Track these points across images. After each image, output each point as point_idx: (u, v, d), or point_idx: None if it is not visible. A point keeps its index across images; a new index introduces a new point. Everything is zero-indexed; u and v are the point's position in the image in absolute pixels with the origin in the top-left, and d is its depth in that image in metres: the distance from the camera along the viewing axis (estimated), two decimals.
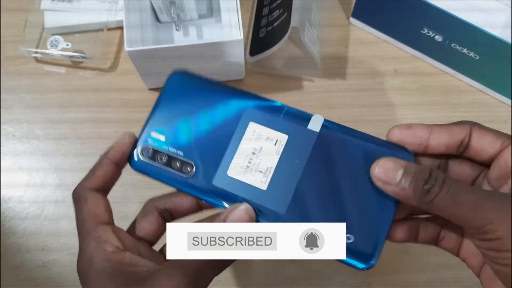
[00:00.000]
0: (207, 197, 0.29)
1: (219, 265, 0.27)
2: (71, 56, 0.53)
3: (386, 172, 0.26)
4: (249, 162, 0.29)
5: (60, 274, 0.45)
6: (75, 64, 0.54)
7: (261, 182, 0.28)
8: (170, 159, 0.29)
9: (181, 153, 0.29)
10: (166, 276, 0.24)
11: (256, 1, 0.55)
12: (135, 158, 0.30)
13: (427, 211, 0.29)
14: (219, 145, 0.29)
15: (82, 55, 0.53)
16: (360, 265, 0.27)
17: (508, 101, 0.51)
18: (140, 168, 0.30)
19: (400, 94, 0.52)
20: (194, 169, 0.29)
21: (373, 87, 0.52)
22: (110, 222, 0.29)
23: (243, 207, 0.27)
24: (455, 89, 0.52)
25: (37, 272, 0.45)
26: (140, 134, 0.31)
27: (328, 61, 0.52)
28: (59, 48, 0.53)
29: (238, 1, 0.46)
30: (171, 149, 0.30)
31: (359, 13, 0.54)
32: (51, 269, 0.45)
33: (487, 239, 0.24)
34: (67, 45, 0.53)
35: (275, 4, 0.52)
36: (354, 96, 0.51)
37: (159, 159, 0.30)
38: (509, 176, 0.27)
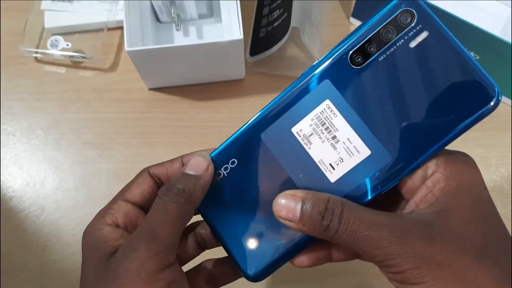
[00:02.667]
0: None
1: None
2: (71, 56, 0.53)
3: (287, 209, 0.25)
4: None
5: (60, 274, 0.45)
6: (75, 64, 0.54)
7: None
8: None
9: None
10: (124, 248, 0.25)
11: (256, 1, 0.55)
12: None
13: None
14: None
15: (82, 55, 0.53)
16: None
17: (508, 101, 0.51)
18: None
19: None
20: (357, 68, 0.25)
21: None
22: (130, 199, 0.29)
23: (197, 154, 0.28)
24: None
25: (37, 272, 0.45)
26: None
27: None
28: (59, 48, 0.53)
29: (238, 1, 0.46)
30: None
31: (359, 13, 0.54)
32: (51, 269, 0.45)
33: (392, 272, 0.23)
34: (67, 45, 0.53)
35: (275, 4, 0.52)
36: None
37: None
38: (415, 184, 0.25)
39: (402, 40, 0.24)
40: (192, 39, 0.53)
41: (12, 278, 0.44)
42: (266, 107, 0.27)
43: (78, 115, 0.51)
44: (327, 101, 0.26)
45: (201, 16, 0.53)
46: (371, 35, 0.25)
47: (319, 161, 0.26)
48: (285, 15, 0.49)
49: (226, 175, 0.27)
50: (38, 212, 0.47)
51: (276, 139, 0.27)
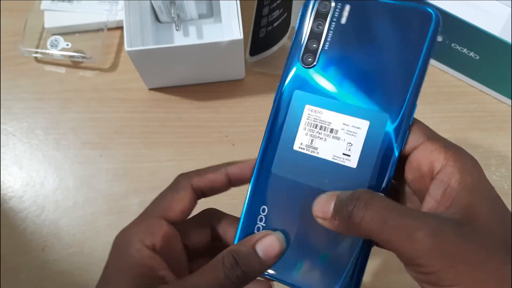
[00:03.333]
0: None
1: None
2: (71, 56, 0.53)
3: (322, 207, 0.25)
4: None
5: (60, 274, 0.45)
6: (75, 64, 0.54)
7: None
8: None
9: None
10: None
11: (256, 1, 0.55)
12: None
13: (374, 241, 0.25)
14: None
15: (82, 55, 0.53)
16: None
17: (508, 101, 0.51)
18: None
19: None
20: (311, 66, 0.27)
21: None
22: (173, 220, 0.27)
23: (276, 234, 0.26)
24: (455, 89, 0.52)
25: (37, 272, 0.45)
26: None
27: None
28: (59, 48, 0.53)
29: (238, 1, 0.46)
30: None
31: None
32: (51, 269, 0.45)
33: (422, 272, 0.21)
34: (67, 45, 0.53)
35: (275, 4, 0.52)
36: None
37: None
38: (424, 178, 0.24)
39: (334, 23, 0.26)
40: (192, 39, 0.53)
41: (12, 278, 0.44)
42: (261, 147, 0.27)
43: (78, 115, 0.51)
44: (307, 106, 0.27)
45: (201, 16, 0.53)
46: (307, 34, 0.27)
47: (333, 158, 0.26)
48: (285, 15, 0.49)
49: (264, 224, 0.27)
50: (38, 212, 0.47)
51: (287, 165, 0.27)
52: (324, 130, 0.26)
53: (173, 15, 0.51)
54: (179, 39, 0.53)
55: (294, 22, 0.47)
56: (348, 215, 0.23)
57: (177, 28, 0.51)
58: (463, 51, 0.48)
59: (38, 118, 0.51)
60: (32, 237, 0.46)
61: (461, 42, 0.47)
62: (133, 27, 0.48)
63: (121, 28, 0.53)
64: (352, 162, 0.26)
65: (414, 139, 0.25)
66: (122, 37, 0.55)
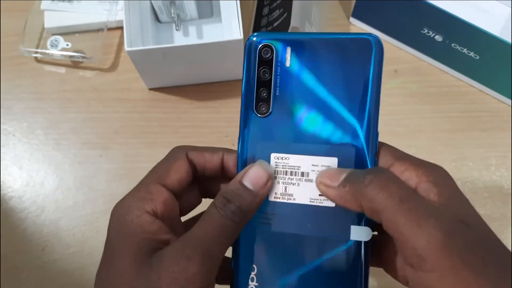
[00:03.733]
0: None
1: (233, 234, 0.25)
2: (71, 56, 0.53)
3: (330, 176, 0.25)
4: None
5: (60, 274, 0.45)
6: (75, 64, 0.54)
7: None
8: None
9: None
10: (177, 248, 0.23)
11: (256, 1, 0.55)
12: (251, 43, 0.26)
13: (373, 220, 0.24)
14: None
15: (82, 55, 0.53)
16: None
17: (508, 101, 0.51)
18: None
19: (400, 94, 0.52)
20: (268, 114, 0.26)
21: None
22: (170, 187, 0.26)
23: (258, 163, 0.26)
24: (455, 89, 0.52)
25: (37, 272, 0.45)
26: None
27: None
28: (59, 48, 0.53)
29: (238, 1, 0.46)
30: None
31: (359, 13, 0.54)
32: (51, 269, 0.45)
33: (421, 269, 0.20)
34: (67, 45, 0.53)
35: (275, 4, 0.52)
36: None
37: None
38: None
39: (279, 67, 0.26)
40: (192, 39, 0.53)
41: (12, 278, 0.44)
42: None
43: (78, 115, 0.51)
44: (273, 155, 0.26)
45: (201, 16, 0.53)
46: (255, 84, 0.26)
47: (310, 201, 0.26)
48: (285, 15, 0.49)
49: (257, 284, 0.26)
50: (38, 212, 0.47)
51: (267, 217, 0.27)
52: (296, 175, 0.26)
53: (173, 15, 0.51)
54: (179, 39, 0.53)
55: (294, 22, 0.48)
56: (366, 184, 0.22)
57: (177, 28, 0.51)
58: (463, 51, 0.48)
59: (38, 118, 0.51)
60: (32, 237, 0.46)
61: (461, 42, 0.47)
62: (133, 27, 0.48)
63: (121, 28, 0.53)
64: (330, 201, 0.26)
65: (383, 163, 0.25)
66: (122, 37, 0.55)
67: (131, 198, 0.26)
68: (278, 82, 0.26)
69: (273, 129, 0.26)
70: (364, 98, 0.25)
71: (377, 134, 0.25)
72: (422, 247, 0.20)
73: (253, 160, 0.26)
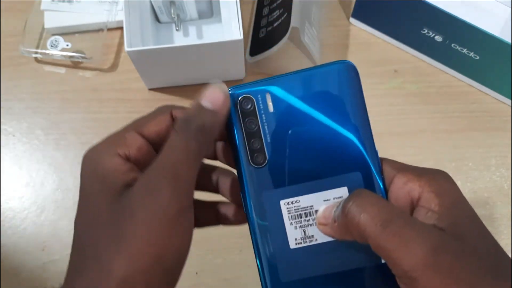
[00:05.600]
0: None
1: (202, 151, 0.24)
2: (71, 56, 0.53)
3: (325, 213, 0.24)
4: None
5: (60, 274, 0.45)
6: (75, 64, 0.54)
7: None
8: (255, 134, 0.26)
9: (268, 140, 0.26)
10: (144, 185, 0.23)
11: (256, 1, 0.55)
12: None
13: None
14: None
15: (82, 55, 0.53)
16: None
17: (508, 101, 0.51)
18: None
19: (400, 94, 0.52)
20: (265, 163, 0.26)
21: (373, 87, 0.52)
22: (147, 136, 0.26)
23: (212, 83, 0.25)
24: (455, 89, 0.52)
25: (37, 272, 0.45)
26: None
27: (328, 61, 0.52)
28: (59, 48, 0.53)
29: (238, 1, 0.46)
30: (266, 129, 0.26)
31: (359, 13, 0.54)
32: (51, 269, 0.45)
33: (414, 287, 0.20)
34: (67, 45, 0.53)
35: (275, 4, 0.52)
36: None
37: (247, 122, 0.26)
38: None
39: (264, 115, 0.26)
40: (192, 39, 0.53)
41: (12, 278, 0.44)
42: (258, 263, 0.26)
43: (78, 115, 0.51)
44: (281, 202, 0.26)
45: (201, 16, 0.53)
46: (245, 137, 0.26)
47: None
48: (285, 15, 0.49)
49: None
50: (38, 212, 0.47)
51: (294, 267, 0.26)
52: (311, 216, 0.26)
53: (173, 15, 0.51)
54: (179, 39, 0.53)
55: (294, 22, 0.48)
56: (345, 214, 0.22)
57: (177, 28, 0.51)
58: (463, 51, 0.48)
59: (38, 118, 0.51)
60: (32, 237, 0.46)
61: (461, 42, 0.47)
62: (133, 27, 0.48)
63: (121, 28, 0.53)
64: None
65: (386, 175, 0.25)
66: (122, 37, 0.55)
67: (103, 142, 0.25)
68: (266, 129, 0.26)
69: (275, 176, 0.26)
70: (354, 121, 0.25)
71: (376, 151, 0.25)
72: (410, 269, 0.20)
73: (263, 213, 0.26)
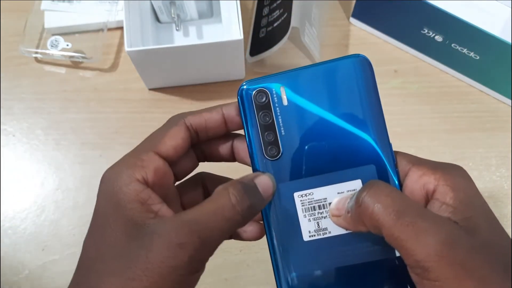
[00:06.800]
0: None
1: (233, 224, 0.23)
2: (71, 56, 0.53)
3: (338, 205, 0.24)
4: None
5: (60, 274, 0.45)
6: (75, 64, 0.54)
7: None
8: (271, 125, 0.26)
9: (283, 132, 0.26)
10: (170, 230, 0.22)
11: (256, 1, 0.55)
12: (243, 91, 0.26)
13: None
14: None
15: (82, 55, 0.53)
16: None
17: (508, 101, 0.51)
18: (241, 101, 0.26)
19: (400, 94, 0.52)
20: (280, 156, 0.26)
21: None
22: (165, 154, 0.25)
23: (267, 174, 0.25)
24: (455, 89, 0.52)
25: (37, 272, 0.45)
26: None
27: None
28: (59, 48, 0.53)
29: (238, 1, 0.46)
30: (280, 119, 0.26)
31: (359, 13, 0.54)
32: (51, 269, 0.45)
33: (426, 278, 0.20)
34: (67, 45, 0.53)
35: (275, 4, 0.52)
36: None
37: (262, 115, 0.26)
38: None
39: (278, 108, 0.26)
40: (192, 39, 0.53)
41: (12, 277, 0.44)
42: (272, 256, 0.26)
43: (78, 115, 0.51)
44: (295, 194, 0.26)
45: (201, 16, 0.53)
46: (259, 129, 0.26)
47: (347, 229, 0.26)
48: (285, 15, 0.49)
49: None
50: (38, 212, 0.47)
51: (308, 260, 0.26)
52: (324, 208, 0.26)
53: (173, 15, 0.51)
54: (179, 39, 0.53)
55: (294, 22, 0.48)
56: (359, 204, 0.22)
57: (177, 28, 0.51)
58: (463, 51, 0.48)
59: (38, 118, 0.51)
60: (32, 237, 0.46)
61: (461, 42, 0.47)
62: (133, 27, 0.48)
63: (121, 28, 0.53)
64: None
65: (401, 170, 0.25)
66: (122, 37, 0.55)
67: (121, 164, 0.25)
68: (281, 122, 0.26)
69: (289, 169, 0.26)
70: (369, 114, 0.25)
71: (390, 145, 0.25)
72: (423, 259, 0.20)
73: (277, 205, 0.26)
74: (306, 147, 0.26)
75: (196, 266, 0.22)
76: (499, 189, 0.47)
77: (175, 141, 0.25)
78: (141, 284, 0.21)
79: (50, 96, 0.52)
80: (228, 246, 0.45)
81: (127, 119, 0.51)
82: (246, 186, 0.24)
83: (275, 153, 0.26)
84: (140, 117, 0.51)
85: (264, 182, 0.25)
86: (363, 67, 0.25)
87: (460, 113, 0.51)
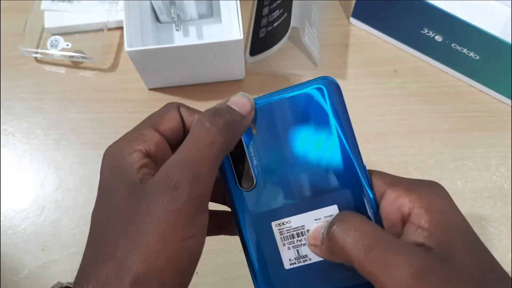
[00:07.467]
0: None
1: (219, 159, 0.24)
2: (71, 56, 0.53)
3: (314, 234, 0.24)
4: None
5: (60, 274, 0.45)
6: (75, 64, 0.54)
7: None
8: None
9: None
10: (162, 177, 0.22)
11: (256, 1, 0.55)
12: None
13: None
14: None
15: (82, 55, 0.53)
16: None
17: (508, 101, 0.51)
18: None
19: (400, 94, 0.52)
20: (254, 186, 0.26)
21: (373, 87, 0.52)
22: (163, 133, 0.26)
23: (239, 94, 0.25)
24: (455, 89, 0.52)
25: (37, 272, 0.45)
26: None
27: (328, 61, 0.52)
28: (59, 48, 0.53)
29: (238, 1, 0.46)
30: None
31: (359, 13, 0.54)
32: (51, 269, 0.45)
33: None
34: (67, 45, 0.53)
35: (275, 4, 0.52)
36: (354, 96, 0.51)
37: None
38: (396, 226, 0.23)
39: (247, 138, 0.26)
40: (192, 39, 0.53)
41: (12, 277, 0.44)
42: (255, 284, 0.26)
43: (78, 115, 0.51)
44: (273, 223, 0.26)
45: (201, 16, 0.53)
46: (231, 162, 0.26)
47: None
48: (285, 15, 0.49)
49: None
50: (38, 212, 0.47)
51: (290, 287, 0.26)
52: (303, 235, 0.25)
53: (173, 15, 0.51)
54: (179, 39, 0.53)
55: (294, 22, 0.48)
56: (330, 237, 0.22)
57: (177, 28, 0.51)
58: (463, 51, 0.48)
59: (38, 118, 0.51)
60: (32, 237, 0.46)
61: (461, 42, 0.47)
62: (133, 27, 0.48)
63: (121, 28, 0.53)
64: None
65: (377, 190, 0.25)
66: (122, 37, 0.55)
67: (124, 138, 0.25)
68: (252, 152, 0.26)
69: (265, 198, 0.26)
70: (341, 138, 0.25)
71: (364, 167, 0.25)
72: None
73: (256, 235, 0.26)
74: (280, 175, 0.25)
75: (197, 204, 0.22)
76: (499, 189, 0.47)
77: (172, 123, 0.26)
78: (152, 237, 0.21)
79: (50, 96, 0.52)
80: (228, 246, 0.45)
81: (127, 119, 0.51)
82: (216, 110, 0.24)
83: (250, 184, 0.26)
84: (140, 117, 0.50)
85: (237, 100, 0.25)
86: (331, 91, 0.25)
87: (460, 113, 0.51)
